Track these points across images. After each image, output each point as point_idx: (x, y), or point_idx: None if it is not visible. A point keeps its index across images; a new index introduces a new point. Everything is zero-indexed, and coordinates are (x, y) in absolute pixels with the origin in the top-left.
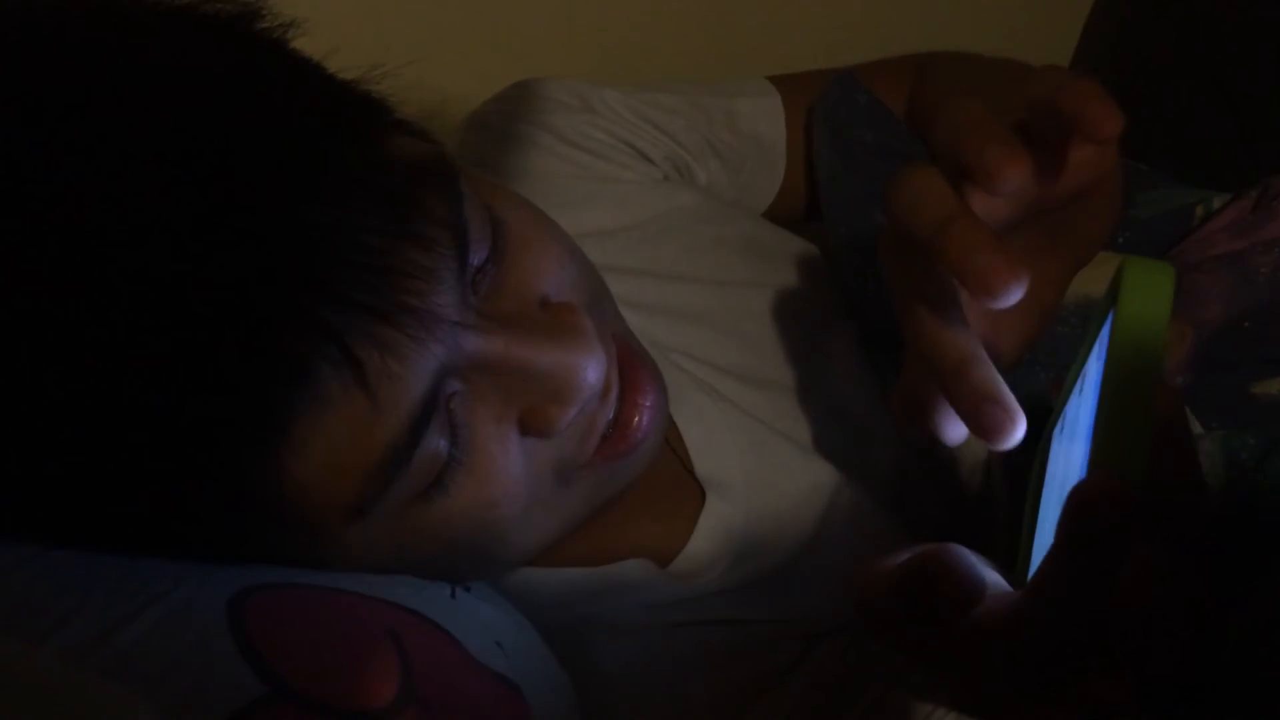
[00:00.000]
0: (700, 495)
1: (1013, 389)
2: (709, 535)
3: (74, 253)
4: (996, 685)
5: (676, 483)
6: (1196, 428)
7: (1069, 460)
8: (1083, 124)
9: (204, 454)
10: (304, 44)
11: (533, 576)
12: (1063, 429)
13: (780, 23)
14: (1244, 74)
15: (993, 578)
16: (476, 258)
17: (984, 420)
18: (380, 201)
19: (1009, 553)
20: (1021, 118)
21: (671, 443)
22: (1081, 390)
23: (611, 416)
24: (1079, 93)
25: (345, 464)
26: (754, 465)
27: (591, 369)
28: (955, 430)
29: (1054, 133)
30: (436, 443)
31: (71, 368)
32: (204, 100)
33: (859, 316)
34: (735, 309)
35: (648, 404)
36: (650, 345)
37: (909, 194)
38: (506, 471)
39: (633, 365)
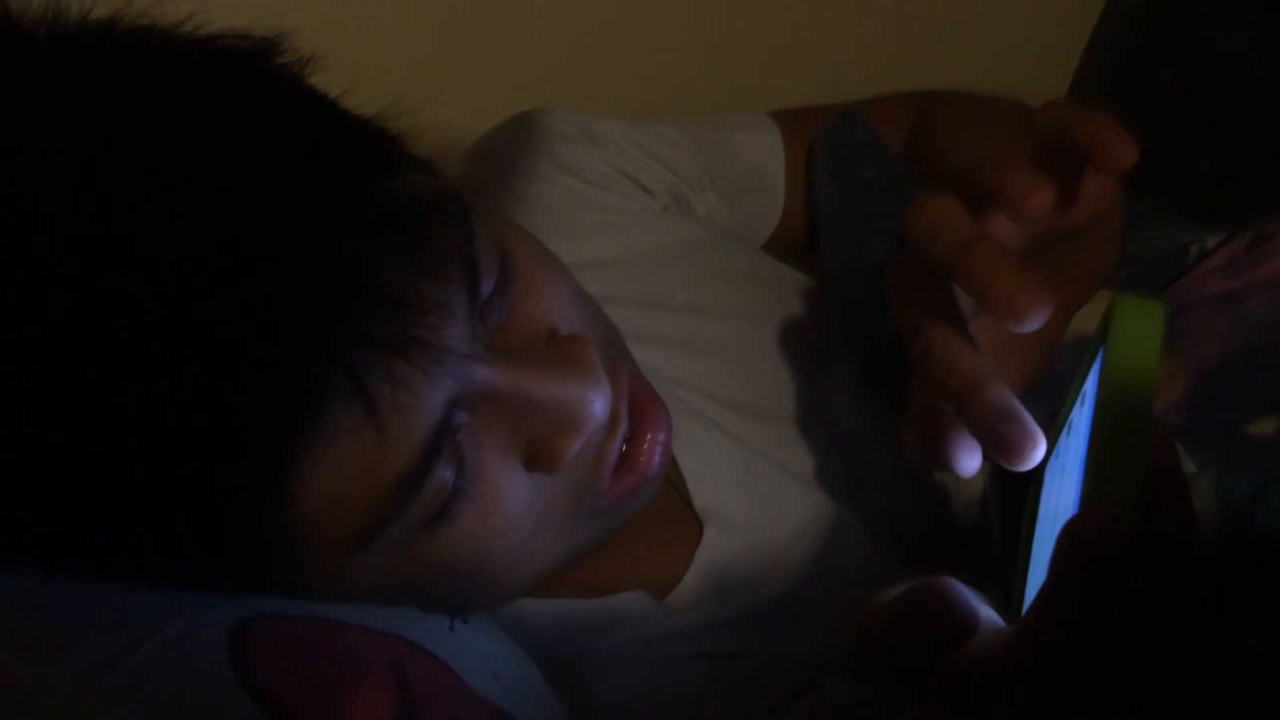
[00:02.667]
0: (697, 527)
1: None
2: (706, 567)
3: (90, 280)
4: (992, 719)
5: (674, 514)
6: (1190, 466)
7: (1061, 496)
8: (1098, 154)
9: (211, 482)
10: (322, 80)
11: (530, 607)
12: (1055, 465)
13: (781, 58)
14: (1236, 116)
15: (987, 612)
16: (485, 289)
17: (1002, 440)
18: (395, 236)
19: (1004, 588)
20: (1029, 151)
21: (669, 474)
22: (1073, 426)
23: (619, 450)
24: (1093, 124)
25: (352, 495)
26: (751, 497)
27: (597, 401)
28: (969, 460)
29: (1062, 166)
30: (443, 473)
31: (82, 393)
32: (221, 133)
33: (856, 350)
34: (734, 340)
35: (660, 438)
36: (649, 376)
37: (929, 218)
38: (511, 502)
39: (644, 401)
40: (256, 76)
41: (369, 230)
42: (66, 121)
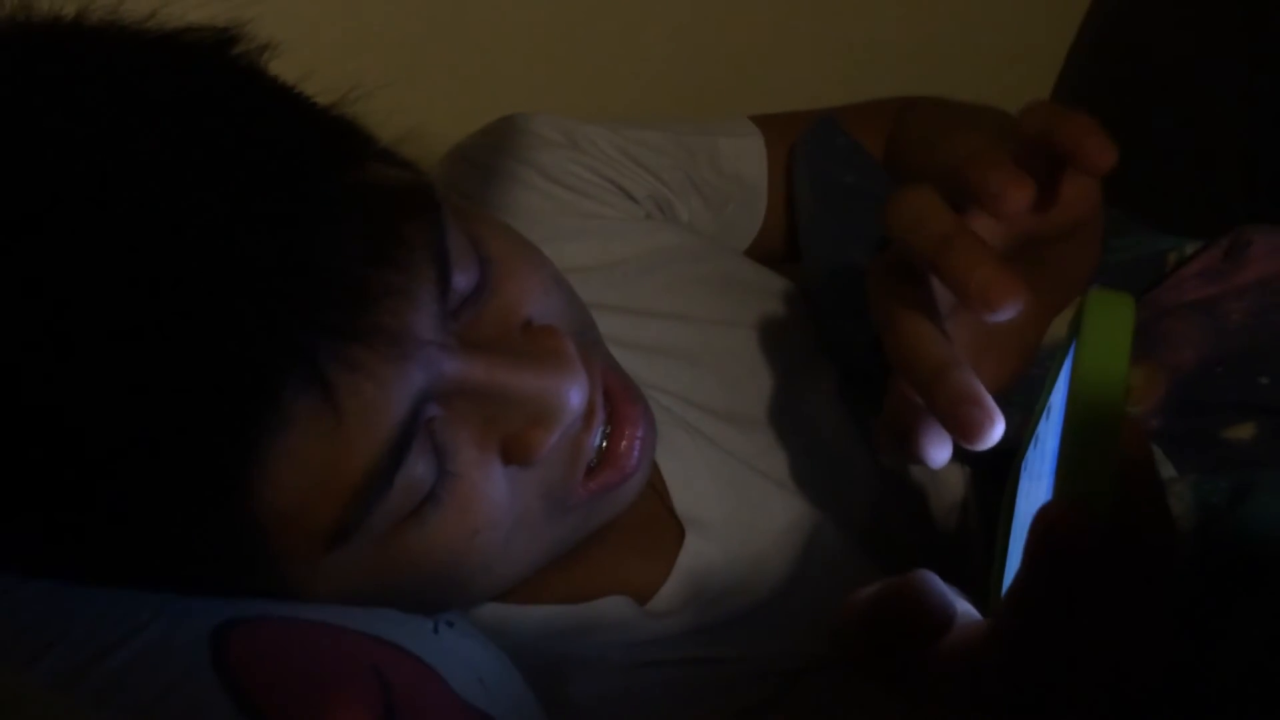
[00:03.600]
0: (679, 533)
1: None
2: (688, 573)
3: (43, 271)
4: (971, 712)
5: (655, 520)
6: (1170, 471)
7: (1035, 494)
8: (1079, 155)
9: (173, 475)
10: (279, 66)
11: (512, 613)
12: (1029, 464)
13: (763, 65)
14: (1214, 125)
15: (964, 607)
16: (459, 284)
17: (962, 420)
18: (354, 224)
19: (983, 592)
20: (1014, 153)
21: (651, 479)
22: (1048, 423)
23: (598, 444)
24: (1075, 125)
25: (321, 488)
26: (733, 503)
27: (574, 392)
28: (939, 453)
29: (1044, 169)
30: (417, 468)
31: (36, 389)
32: (181, 125)
33: (836, 356)
34: (715, 347)
35: (639, 435)
36: None
37: (910, 211)
38: (489, 498)
39: (622, 396)
40: (218, 68)
41: (327, 217)
42: (28, 118)
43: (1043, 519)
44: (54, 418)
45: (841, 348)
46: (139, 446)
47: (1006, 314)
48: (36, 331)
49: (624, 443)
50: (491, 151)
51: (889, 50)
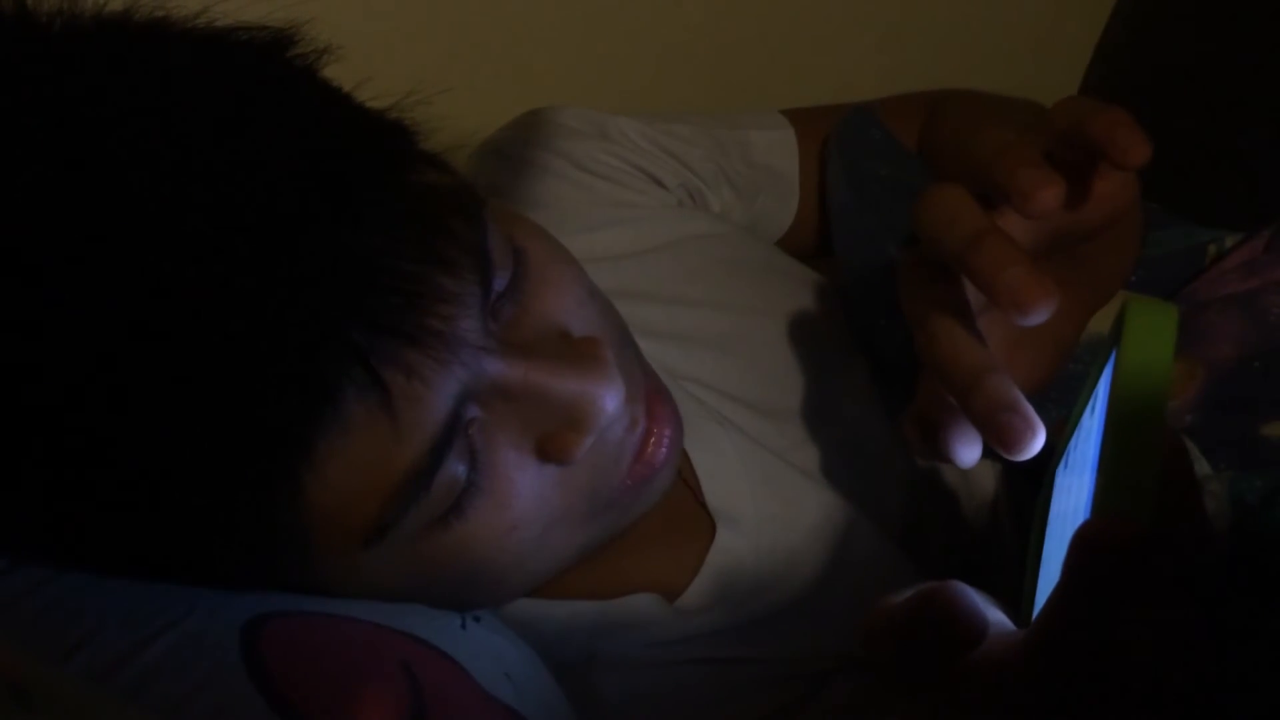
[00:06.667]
0: (710, 527)
1: None
2: (718, 570)
3: (104, 272)
4: (998, 718)
5: (686, 513)
6: (1205, 468)
7: (1072, 499)
8: (1112, 150)
9: (225, 475)
10: (336, 71)
11: (540, 608)
12: (1066, 467)
13: (791, 58)
14: (1252, 116)
15: (997, 616)
16: (498, 284)
17: (1002, 430)
18: (407, 227)
19: (1015, 591)
20: (1046, 148)
21: (682, 472)
22: (1084, 429)
23: (637, 449)
24: (1108, 120)
25: (365, 487)
26: (765, 497)
27: (610, 398)
28: (968, 452)
29: (1079, 163)
30: (456, 468)
31: (93, 386)
32: (236, 126)
33: (868, 350)
34: (748, 337)
35: (667, 433)
36: (663, 372)
37: (939, 211)
38: (524, 497)
39: (653, 397)
40: (271, 69)
41: (384, 221)
42: (80, 116)
43: (1083, 538)
44: (112, 413)
45: (874, 343)
46: (198, 444)
47: (1037, 317)
48: (96, 328)
49: (651, 440)
50: (521, 144)
51: (919, 41)
